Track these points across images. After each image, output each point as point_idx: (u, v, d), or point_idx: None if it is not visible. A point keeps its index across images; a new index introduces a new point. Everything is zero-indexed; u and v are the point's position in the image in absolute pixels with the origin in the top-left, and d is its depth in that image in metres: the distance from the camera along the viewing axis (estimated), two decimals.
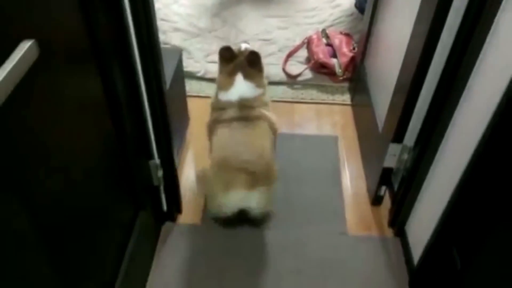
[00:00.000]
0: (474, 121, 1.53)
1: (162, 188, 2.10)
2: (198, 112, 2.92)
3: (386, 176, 2.25)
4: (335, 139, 2.83)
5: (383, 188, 2.32)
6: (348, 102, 3.12)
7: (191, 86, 3.14)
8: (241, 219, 2.20)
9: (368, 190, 2.48)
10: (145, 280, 2.02)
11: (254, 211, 2.13)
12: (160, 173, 1.98)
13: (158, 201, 2.16)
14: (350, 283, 2.05)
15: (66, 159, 1.22)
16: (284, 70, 3.30)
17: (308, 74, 3.28)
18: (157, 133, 1.89)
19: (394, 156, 2.13)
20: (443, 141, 1.83)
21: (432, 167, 1.94)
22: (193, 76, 3.25)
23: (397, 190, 2.27)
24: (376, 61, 2.66)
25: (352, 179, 2.57)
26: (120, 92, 1.51)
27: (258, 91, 2.15)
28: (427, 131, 1.91)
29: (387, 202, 2.41)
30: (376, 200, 2.40)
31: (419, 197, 2.07)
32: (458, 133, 1.71)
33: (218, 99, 2.18)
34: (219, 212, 2.15)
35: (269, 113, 2.18)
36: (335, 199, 2.43)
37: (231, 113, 2.09)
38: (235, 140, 2.06)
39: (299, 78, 3.25)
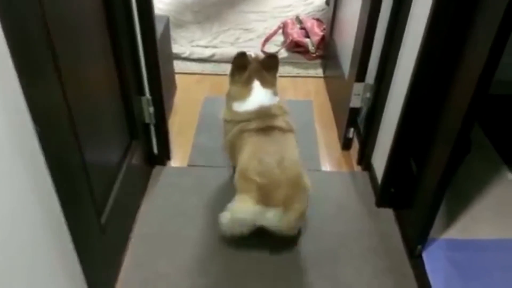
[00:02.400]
0: (409, 59, 1.90)
1: (153, 128, 2.34)
2: (184, 85, 3.23)
3: (352, 117, 2.53)
4: (309, 102, 3.13)
5: (351, 130, 2.59)
6: (321, 75, 3.44)
7: (177, 65, 3.41)
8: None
9: (339, 138, 2.76)
10: (135, 211, 2.22)
11: (276, 232, 1.90)
12: (151, 109, 2.23)
13: (149, 142, 2.39)
14: (326, 208, 2.27)
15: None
16: (262, 51, 3.62)
17: (284, 53, 3.61)
18: (149, 73, 2.16)
19: (358, 96, 2.42)
20: (393, 77, 2.17)
21: (387, 102, 2.25)
22: (179, 57, 3.53)
23: (362, 129, 2.54)
24: (340, 31, 3.00)
25: (325, 133, 2.84)
26: (121, 37, 1.84)
27: (276, 99, 2.01)
28: (382, 71, 2.25)
29: (355, 148, 2.68)
30: (345, 144, 2.67)
31: (379, 131, 2.35)
32: (401, 70, 2.07)
33: (233, 111, 1.99)
34: (234, 226, 1.90)
35: (292, 122, 2.02)
36: (310, 148, 2.69)
37: (254, 123, 1.91)
38: (263, 150, 1.85)
39: None
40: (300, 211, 1.85)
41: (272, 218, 1.81)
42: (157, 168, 2.50)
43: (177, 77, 3.17)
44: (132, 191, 2.15)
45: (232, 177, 2.10)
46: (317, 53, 3.53)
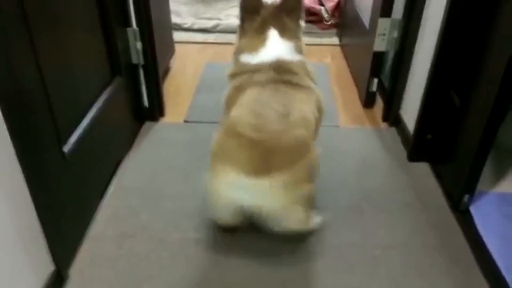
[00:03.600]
0: None
1: (142, 71, 2.00)
2: (185, 53, 2.92)
3: (376, 63, 2.16)
4: (324, 67, 2.77)
5: (375, 81, 2.21)
6: (337, 43, 3.09)
7: (178, 35, 3.13)
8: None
9: (360, 97, 2.38)
10: (115, 161, 1.86)
11: (267, 217, 1.29)
12: (138, 45, 1.90)
13: (138, 90, 2.05)
14: (348, 163, 1.88)
15: None
16: None
17: None
18: (136, 1, 1.84)
19: (383, 37, 2.06)
20: (425, 8, 1.82)
21: (418, 40, 1.89)
22: (180, 27, 3.25)
23: (388, 81, 2.17)
24: None
25: (344, 94, 2.47)
26: None
27: (300, 57, 1.47)
28: (411, 2, 1.90)
29: (379, 106, 2.30)
30: (368, 100, 2.29)
31: (410, 77, 1.98)
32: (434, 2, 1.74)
33: (242, 63, 1.47)
34: (213, 213, 1.42)
35: (316, 87, 1.50)
36: (327, 106, 2.30)
37: (265, 75, 1.39)
38: (264, 100, 1.32)
39: None
40: (307, 193, 1.28)
41: (268, 196, 1.22)
42: (148, 123, 2.14)
43: (177, 46, 2.86)
44: (111, 135, 1.78)
45: None
46: (331, 21, 3.20)
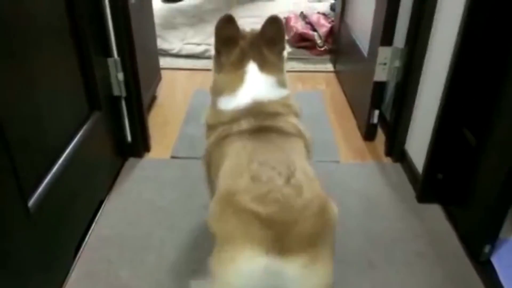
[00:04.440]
0: (454, 8, 1.48)
1: (124, 104, 1.82)
2: (172, 80, 2.78)
3: (377, 95, 2.02)
4: (319, 93, 2.64)
5: (376, 113, 2.07)
6: (331, 69, 2.97)
7: (165, 61, 2.98)
8: None
9: (359, 127, 2.23)
10: (93, 207, 1.66)
11: None
12: (120, 75, 1.72)
13: (120, 124, 1.87)
14: (351, 203, 1.71)
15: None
16: None
17: (288, 49, 3.14)
18: (117, 27, 1.67)
19: (384, 66, 1.93)
20: (431, 36, 1.70)
21: (424, 70, 1.76)
22: (167, 53, 3.10)
23: (390, 112, 2.03)
24: (354, 11, 2.57)
25: (341, 123, 2.32)
26: None
27: (282, 92, 1.29)
28: (415, 29, 1.78)
29: (380, 139, 2.15)
30: (368, 133, 2.14)
31: (415, 108, 1.84)
32: (443, 24, 1.61)
33: (218, 110, 1.29)
34: None
35: (301, 125, 1.30)
36: (325, 138, 2.16)
37: (244, 124, 1.21)
38: (261, 159, 1.10)
39: None
40: (330, 260, 1.07)
41: (294, 275, 1.00)
42: (131, 160, 1.96)
43: (164, 72, 2.71)
44: (89, 177, 1.59)
45: None
46: (325, 47, 3.07)
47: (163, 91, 2.62)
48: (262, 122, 1.20)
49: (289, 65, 2.86)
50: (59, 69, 1.40)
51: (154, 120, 2.26)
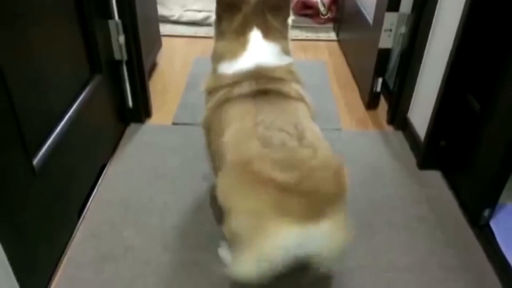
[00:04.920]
0: None
1: (126, 68, 1.80)
2: (172, 47, 2.75)
3: (381, 62, 2.00)
4: (322, 63, 2.61)
5: (379, 81, 2.05)
6: (334, 38, 2.93)
7: (165, 28, 2.93)
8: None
9: (362, 97, 2.22)
10: (95, 172, 1.66)
11: (325, 261, 1.05)
12: (121, 38, 1.70)
13: (121, 89, 1.85)
14: (353, 170, 1.72)
15: None
16: None
17: (291, 16, 3.10)
18: None
19: (390, 33, 1.90)
20: (438, 4, 1.66)
21: (430, 36, 1.73)
22: (167, 20, 3.04)
23: (394, 80, 2.01)
24: None
25: (344, 93, 2.30)
26: None
27: (286, 59, 1.25)
28: None
29: (383, 108, 2.14)
30: (371, 102, 2.13)
31: (420, 76, 1.82)
32: None
33: (218, 74, 1.24)
34: (260, 269, 1.00)
35: (306, 94, 1.25)
36: (327, 107, 2.15)
37: (246, 87, 1.17)
38: (268, 121, 1.07)
39: None
40: (344, 220, 1.05)
41: (324, 238, 1.00)
42: (133, 126, 1.95)
43: (164, 40, 2.67)
44: (91, 141, 1.59)
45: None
46: (328, 15, 3.03)
47: (163, 58, 2.59)
48: (265, 85, 1.16)
49: (292, 34, 2.85)
50: (60, 31, 1.38)
51: (155, 87, 2.24)
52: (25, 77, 1.13)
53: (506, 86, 1.35)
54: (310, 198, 0.95)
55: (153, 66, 2.45)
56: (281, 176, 0.94)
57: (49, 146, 1.23)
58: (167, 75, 2.45)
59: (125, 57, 1.76)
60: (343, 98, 2.27)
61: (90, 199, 1.53)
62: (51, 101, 1.30)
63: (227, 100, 1.17)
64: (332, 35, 2.96)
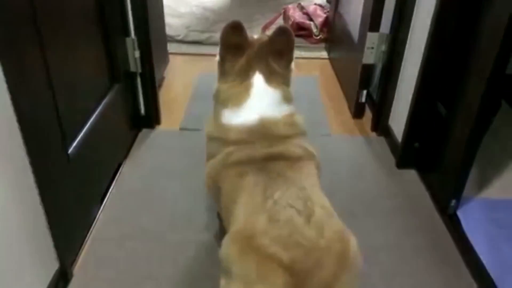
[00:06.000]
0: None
1: (139, 80, 2.05)
2: (178, 64, 3.00)
3: (365, 76, 2.26)
4: (315, 78, 2.87)
5: (364, 93, 2.31)
6: (325, 56, 3.20)
7: (171, 46, 3.19)
8: None
9: (349, 108, 2.47)
10: (113, 167, 1.89)
11: None
12: (137, 53, 1.95)
13: (135, 98, 2.09)
14: (339, 168, 1.95)
15: None
16: (263, 33, 3.40)
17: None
18: (135, 10, 1.90)
19: (372, 50, 2.16)
20: (412, 22, 1.93)
21: (405, 53, 1.99)
22: (173, 39, 3.31)
23: (377, 92, 2.27)
24: (348, 3, 2.80)
25: (333, 105, 2.56)
26: None
27: (288, 108, 1.24)
28: (399, 17, 2.01)
29: (368, 118, 2.39)
30: (357, 111, 2.38)
31: (397, 88, 2.08)
32: (422, 10, 1.83)
33: (222, 124, 1.22)
34: None
35: (309, 145, 1.24)
36: (318, 116, 2.40)
37: (250, 151, 1.15)
38: (277, 197, 1.04)
39: None
40: None
41: None
42: (145, 131, 2.19)
43: (171, 57, 2.93)
44: (111, 140, 1.82)
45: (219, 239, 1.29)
46: (320, 36, 3.31)
47: (170, 73, 2.84)
48: (271, 148, 1.14)
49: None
50: (88, 46, 1.63)
51: (162, 98, 2.47)
52: (64, 82, 1.37)
53: (466, 95, 1.60)
54: (308, 279, 0.92)
55: (161, 80, 2.70)
56: (282, 254, 0.92)
57: (79, 139, 1.46)
58: (174, 88, 2.69)
59: (139, 70, 2.01)
60: (333, 108, 2.52)
61: (110, 190, 1.75)
62: (81, 102, 1.54)
63: (237, 164, 1.14)
64: (324, 54, 3.23)
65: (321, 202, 1.06)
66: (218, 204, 1.26)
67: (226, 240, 1.03)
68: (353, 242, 1.01)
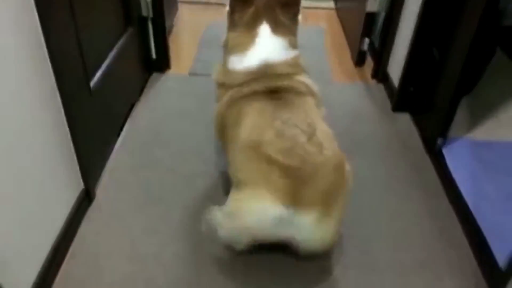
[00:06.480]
0: None
1: (150, 24, 2.16)
2: (187, 13, 3.08)
3: (368, 24, 2.34)
4: (321, 29, 2.94)
5: (366, 41, 2.40)
6: (332, 7, 3.25)
7: None
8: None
9: (352, 57, 2.57)
10: (127, 106, 2.04)
11: (305, 248, 1.20)
12: None
13: (146, 42, 2.21)
14: (338, 112, 2.08)
15: None
16: None
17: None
18: None
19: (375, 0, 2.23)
20: None
21: (405, 1, 2.06)
22: None
23: (378, 41, 2.35)
24: None
25: (337, 54, 2.66)
26: None
27: (292, 53, 1.34)
28: None
29: (369, 66, 2.48)
30: (359, 59, 2.48)
31: (397, 36, 2.16)
32: None
33: (228, 70, 1.35)
34: (241, 236, 1.20)
35: (311, 82, 1.36)
36: (321, 64, 2.50)
37: (255, 85, 1.27)
38: (285, 117, 1.17)
39: None
40: (340, 218, 1.17)
41: (305, 228, 1.10)
42: (156, 74, 2.32)
43: (180, 5, 3.01)
44: (126, 80, 1.97)
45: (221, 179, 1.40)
46: None
47: (179, 21, 2.94)
48: (275, 82, 1.25)
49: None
50: None
51: (172, 45, 2.58)
52: (85, 24, 1.49)
53: (458, 40, 1.69)
54: (302, 186, 1.05)
55: (170, 27, 2.79)
56: (282, 159, 1.06)
57: (99, 75, 1.61)
58: (182, 36, 2.80)
59: (151, 14, 2.11)
60: (337, 57, 2.61)
61: (125, 126, 1.92)
62: (101, 41, 1.68)
63: (241, 98, 1.25)
64: (331, 4, 3.28)
65: (323, 128, 1.20)
66: (224, 143, 1.38)
67: (234, 151, 1.19)
68: (347, 164, 1.17)
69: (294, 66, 1.32)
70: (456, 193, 1.63)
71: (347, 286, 1.32)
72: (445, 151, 1.81)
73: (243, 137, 1.18)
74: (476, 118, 2.02)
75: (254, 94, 1.24)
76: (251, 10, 1.30)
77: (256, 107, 1.21)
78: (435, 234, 1.51)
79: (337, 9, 3.19)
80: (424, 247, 1.46)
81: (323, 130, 1.18)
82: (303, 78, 1.32)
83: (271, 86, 1.24)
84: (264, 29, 1.30)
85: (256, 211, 1.09)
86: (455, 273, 1.38)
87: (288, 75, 1.28)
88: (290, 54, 1.33)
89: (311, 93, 1.31)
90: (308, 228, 1.10)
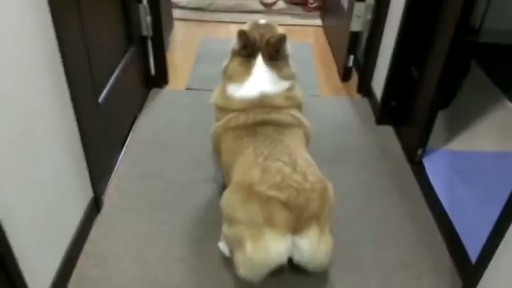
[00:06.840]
0: None
1: (150, 43, 2.30)
2: (182, 29, 3.22)
3: (353, 42, 2.51)
4: (308, 44, 3.12)
5: (351, 58, 2.57)
6: (319, 24, 3.43)
7: (175, 12, 3.40)
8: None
9: (339, 72, 2.73)
10: (130, 118, 2.17)
11: (310, 265, 1.31)
12: (148, 19, 2.20)
13: (146, 59, 2.35)
14: (324, 124, 2.24)
15: None
16: (261, 2, 3.61)
17: (282, 5, 3.60)
18: None
19: (359, 19, 2.41)
20: None
21: (386, 21, 2.24)
22: (176, 6, 3.51)
23: (362, 58, 2.53)
24: None
25: (324, 69, 2.82)
26: None
27: (285, 84, 1.47)
28: None
29: (355, 80, 2.65)
30: (345, 75, 2.65)
31: (379, 53, 2.33)
32: None
33: (227, 96, 1.48)
34: (256, 271, 1.27)
35: (302, 117, 1.51)
36: (309, 79, 2.66)
37: (250, 116, 1.40)
38: (267, 153, 1.30)
39: (274, 8, 3.57)
40: (329, 229, 1.33)
41: (309, 248, 1.25)
42: (155, 90, 2.46)
43: (174, 22, 3.16)
44: (128, 96, 2.11)
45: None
46: (315, 4, 3.52)
47: (175, 38, 3.08)
48: (266, 116, 1.39)
49: (283, 19, 3.35)
50: (109, 13, 1.86)
51: (169, 62, 2.72)
52: (95, 44, 1.63)
53: (433, 58, 1.86)
54: (301, 213, 1.21)
55: (167, 45, 2.93)
56: (279, 194, 1.19)
57: (105, 91, 1.74)
58: (179, 52, 2.94)
59: (150, 34, 2.26)
60: (324, 72, 2.78)
61: (128, 138, 2.04)
62: (107, 60, 1.81)
63: (234, 129, 1.41)
64: (318, 21, 3.46)
65: (302, 155, 1.34)
66: (219, 161, 1.54)
67: (228, 192, 1.30)
68: (329, 184, 1.33)
69: (289, 99, 1.46)
70: (434, 198, 1.79)
71: (333, 284, 1.47)
72: (424, 160, 1.97)
73: (235, 179, 1.31)
74: (454, 130, 2.19)
75: (245, 128, 1.39)
76: (249, 48, 1.45)
77: (242, 145, 1.36)
78: (415, 236, 1.66)
79: (324, 27, 3.37)
80: (405, 248, 1.61)
81: (303, 158, 1.32)
82: (294, 111, 1.47)
83: (259, 119, 1.39)
84: (259, 61, 1.45)
85: (269, 247, 1.20)
86: (433, 271, 1.54)
87: (279, 108, 1.43)
88: (286, 85, 1.47)
89: (300, 125, 1.46)
90: (311, 248, 1.24)
